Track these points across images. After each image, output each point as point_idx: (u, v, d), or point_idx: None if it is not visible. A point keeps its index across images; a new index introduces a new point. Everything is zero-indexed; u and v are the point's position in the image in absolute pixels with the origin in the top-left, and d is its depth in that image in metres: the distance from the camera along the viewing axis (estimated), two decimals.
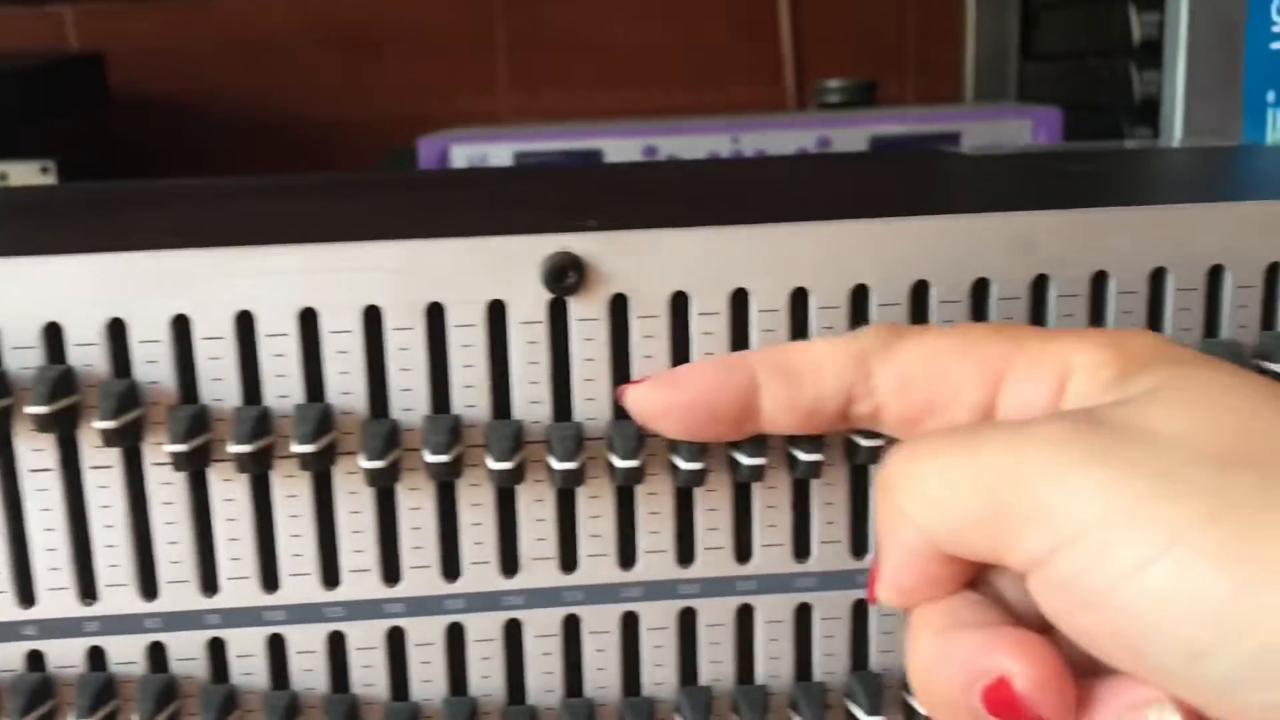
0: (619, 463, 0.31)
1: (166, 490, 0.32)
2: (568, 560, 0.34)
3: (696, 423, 0.30)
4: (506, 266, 0.32)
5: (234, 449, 0.31)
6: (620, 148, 1.00)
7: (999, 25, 1.41)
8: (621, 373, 0.33)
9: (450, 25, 1.43)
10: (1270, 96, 0.74)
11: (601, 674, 0.34)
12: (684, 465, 0.32)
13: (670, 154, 0.95)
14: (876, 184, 0.45)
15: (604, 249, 0.32)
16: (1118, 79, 1.28)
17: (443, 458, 0.31)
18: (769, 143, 1.00)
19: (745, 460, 0.31)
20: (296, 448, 0.31)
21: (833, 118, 1.15)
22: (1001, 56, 1.42)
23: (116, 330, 0.31)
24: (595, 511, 0.33)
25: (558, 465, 0.31)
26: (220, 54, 1.36)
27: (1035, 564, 0.22)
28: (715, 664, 0.34)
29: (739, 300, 0.32)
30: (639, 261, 0.32)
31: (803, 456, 0.32)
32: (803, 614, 0.34)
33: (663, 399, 0.30)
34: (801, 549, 0.34)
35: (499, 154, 1.00)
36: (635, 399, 0.31)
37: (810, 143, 1.02)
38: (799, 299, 0.32)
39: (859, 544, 0.34)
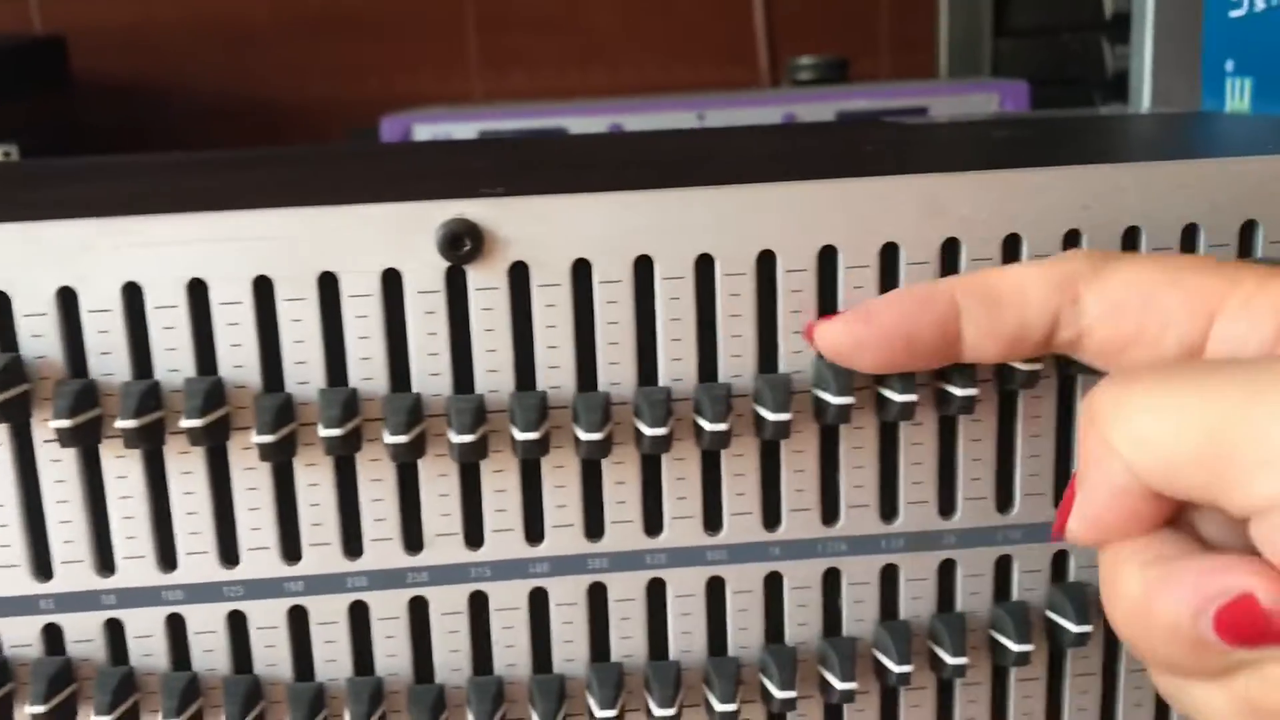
0: (520, 435, 0.31)
1: (56, 468, 0.31)
2: (473, 536, 0.33)
3: (893, 355, 0.30)
4: (401, 234, 0.31)
5: (122, 424, 0.30)
6: (585, 125, 0.99)
7: (972, 3, 1.40)
8: (523, 343, 0.32)
9: (420, 6, 1.42)
10: (1229, 65, 0.73)
11: (510, 651, 0.34)
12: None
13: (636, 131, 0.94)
14: (797, 151, 0.45)
15: (502, 215, 0.31)
16: (1089, 53, 1.27)
17: (336, 431, 0.30)
18: (735, 119, 0.99)
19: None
20: (187, 423, 0.30)
21: (801, 94, 1.14)
22: (975, 33, 1.41)
23: (0, 304, 0.31)
24: (500, 485, 0.33)
25: (456, 439, 0.31)
26: (185, 37, 1.34)
27: (1267, 508, 0.21)
28: (625, 639, 0.34)
29: (643, 267, 0.32)
30: (539, 228, 0.31)
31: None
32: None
33: (855, 334, 0.30)
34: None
35: (463, 132, 0.99)
36: (827, 336, 0.30)
37: (777, 119, 1.01)
38: (704, 264, 0.32)
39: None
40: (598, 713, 0.33)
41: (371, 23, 1.40)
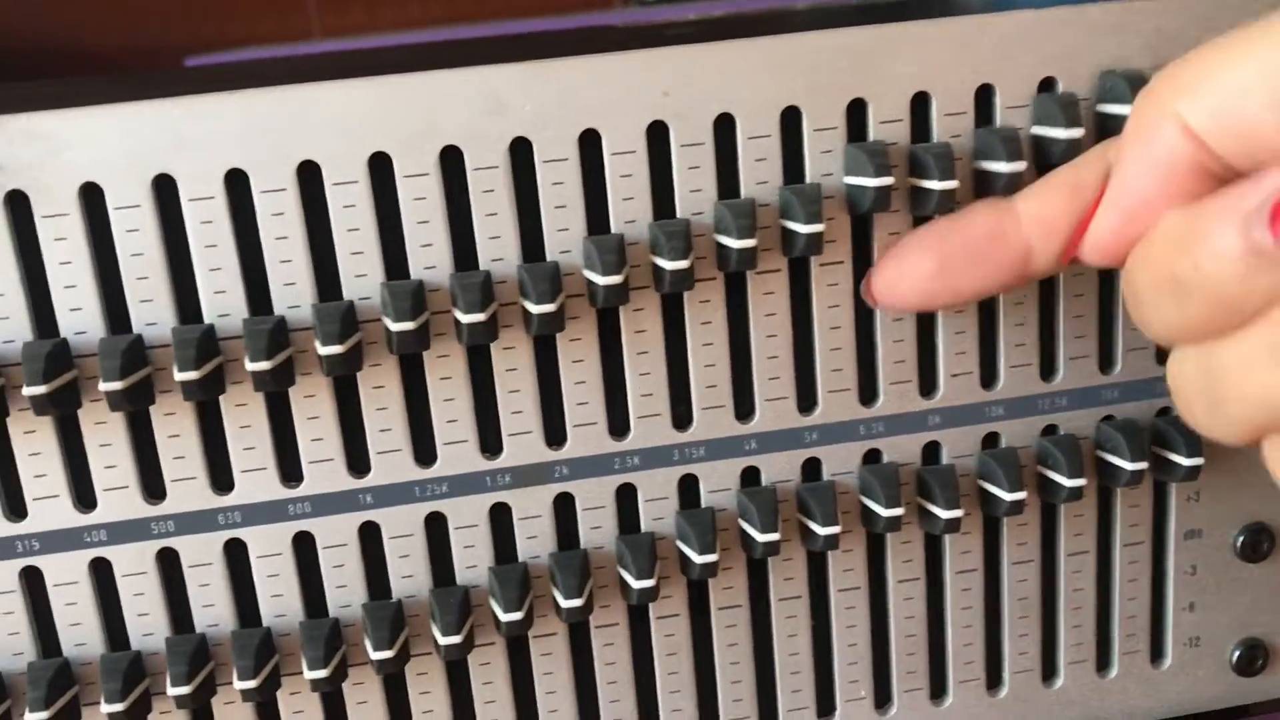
0: (30, 390, 0.27)
1: None
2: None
3: (958, 269, 0.28)
4: None
5: None
6: None
7: None
8: (36, 280, 0.28)
9: None
10: None
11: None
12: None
13: None
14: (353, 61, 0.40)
15: None
16: None
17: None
18: None
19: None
20: None
21: (647, 13, 1.10)
22: None
23: None
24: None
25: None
26: None
27: None
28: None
29: (165, 188, 0.28)
30: (36, 150, 0.27)
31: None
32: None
33: (910, 269, 0.29)
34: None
35: None
36: (881, 286, 0.29)
37: None
38: (237, 181, 0.28)
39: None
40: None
41: None
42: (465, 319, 0.28)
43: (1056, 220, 0.27)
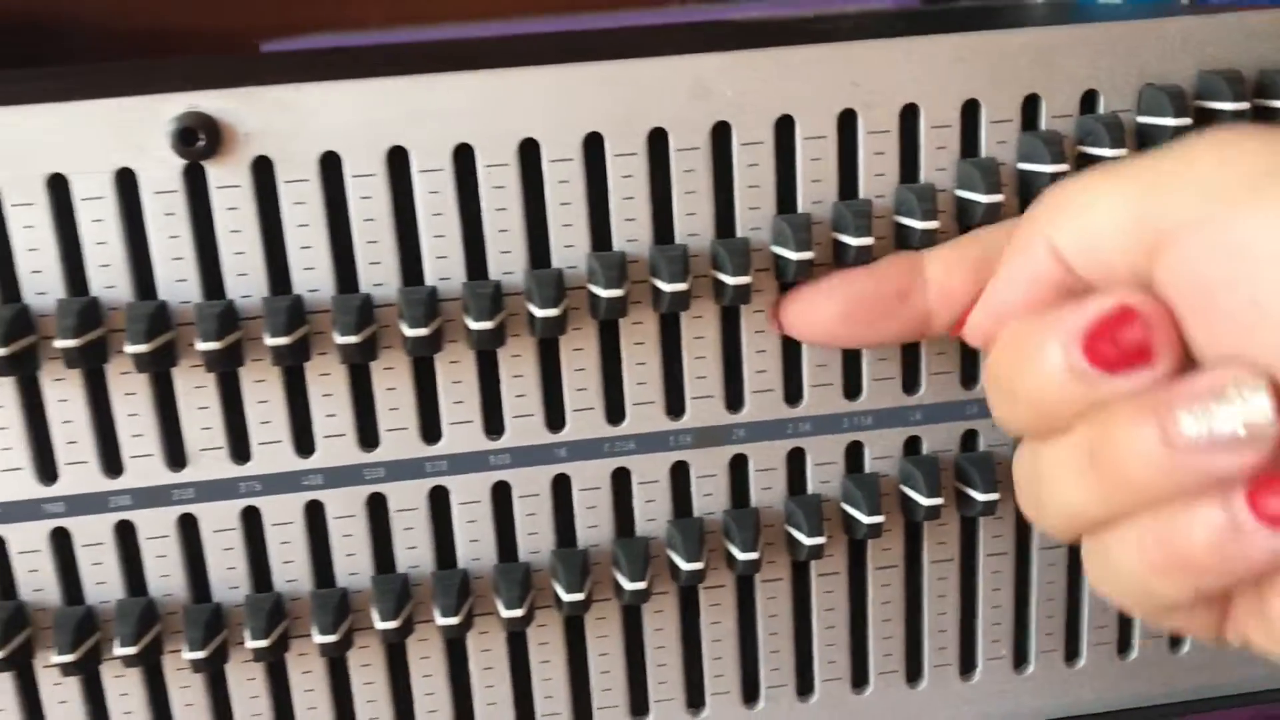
0: (271, 340, 0.29)
1: None
2: (239, 450, 0.32)
3: (862, 319, 0.30)
4: (131, 131, 0.29)
5: None
6: None
7: None
8: (274, 243, 0.30)
9: None
10: None
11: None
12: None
13: None
14: (586, 39, 0.43)
15: (240, 106, 0.29)
16: None
17: (73, 342, 0.29)
18: None
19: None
20: None
21: (693, 10, 1.12)
22: None
23: None
24: (263, 396, 0.31)
25: (204, 346, 0.29)
26: None
27: (1190, 228, 0.22)
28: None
29: (397, 159, 0.30)
30: (282, 119, 0.29)
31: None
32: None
33: (818, 312, 0.31)
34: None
35: None
36: (790, 320, 0.31)
37: None
38: (463, 154, 0.30)
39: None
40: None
41: None
42: (667, 288, 0.30)
43: (956, 293, 0.29)
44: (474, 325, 0.30)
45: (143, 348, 0.29)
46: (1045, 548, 0.35)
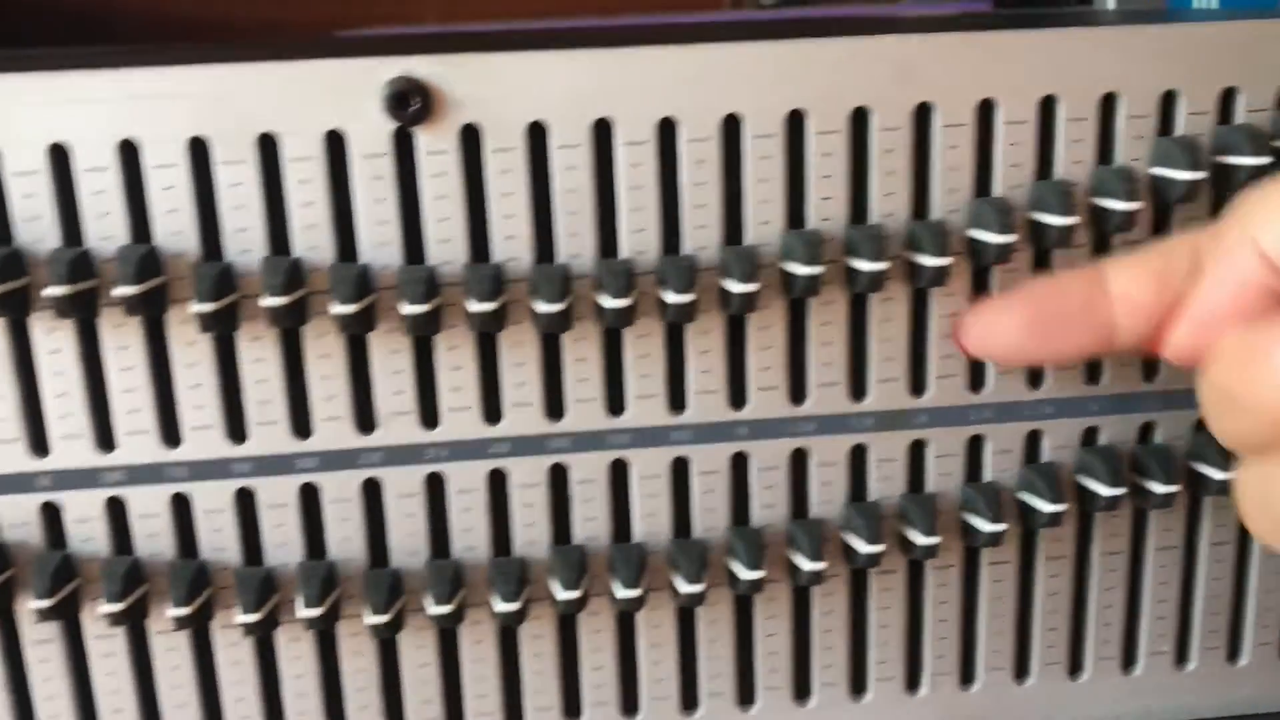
0: (475, 306, 0.29)
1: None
2: (428, 415, 0.32)
3: (1045, 333, 0.29)
4: (343, 93, 0.29)
5: (52, 292, 0.28)
6: None
7: None
8: (476, 210, 0.30)
9: None
10: None
11: (468, 534, 0.33)
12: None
13: None
14: (766, 25, 0.43)
15: (452, 73, 0.29)
16: None
17: (280, 300, 0.29)
18: None
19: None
20: (120, 291, 0.28)
21: (770, 14, 1.12)
22: None
23: None
24: (456, 362, 0.31)
25: (409, 309, 0.29)
26: None
27: None
28: (589, 521, 0.33)
29: (601, 131, 0.30)
30: (492, 87, 0.29)
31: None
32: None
33: (1001, 327, 0.30)
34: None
35: None
36: (973, 339, 0.31)
37: None
38: (666, 129, 0.30)
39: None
40: (559, 594, 0.32)
41: None
42: (866, 268, 0.30)
43: (1141, 305, 0.28)
44: (673, 299, 0.30)
45: (350, 308, 0.29)
46: (1215, 544, 0.35)
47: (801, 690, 0.35)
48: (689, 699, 0.35)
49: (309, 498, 0.32)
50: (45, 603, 0.30)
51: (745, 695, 0.35)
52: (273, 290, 0.29)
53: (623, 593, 0.32)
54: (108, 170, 0.29)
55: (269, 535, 0.32)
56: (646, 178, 0.30)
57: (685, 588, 0.32)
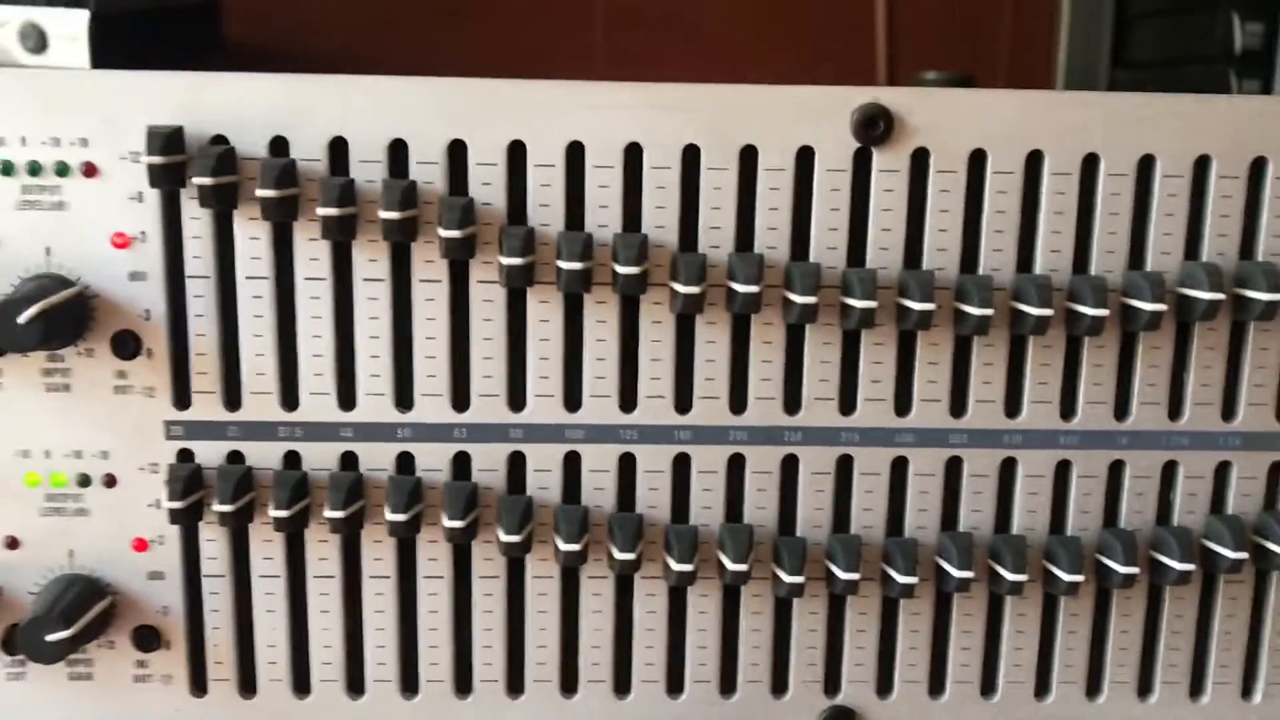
0: (913, 305, 0.33)
1: (487, 308, 0.35)
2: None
3: None
4: (819, 115, 0.34)
5: (562, 265, 0.33)
6: None
7: (1092, 32, 1.42)
8: (915, 224, 0.35)
9: (552, 2, 1.46)
10: None
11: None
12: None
13: None
14: None
15: (913, 103, 0.34)
16: (1216, 87, 1.29)
17: (752, 289, 0.33)
18: None
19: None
20: (622, 270, 0.33)
21: None
22: (1093, 64, 1.42)
23: (457, 151, 0.34)
24: (877, 357, 0.35)
25: (856, 303, 0.33)
26: (330, 6, 1.38)
27: None
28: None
29: (1033, 163, 0.34)
30: (944, 118, 0.34)
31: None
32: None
33: None
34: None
35: None
36: None
37: None
38: (1089, 165, 0.34)
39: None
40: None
41: (506, 14, 1.44)
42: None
43: None
44: (1086, 311, 0.34)
45: (808, 300, 0.33)
46: None
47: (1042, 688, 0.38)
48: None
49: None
50: (514, 537, 0.34)
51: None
52: (747, 280, 0.33)
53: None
54: (613, 168, 0.34)
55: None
56: (1067, 205, 0.35)
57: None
